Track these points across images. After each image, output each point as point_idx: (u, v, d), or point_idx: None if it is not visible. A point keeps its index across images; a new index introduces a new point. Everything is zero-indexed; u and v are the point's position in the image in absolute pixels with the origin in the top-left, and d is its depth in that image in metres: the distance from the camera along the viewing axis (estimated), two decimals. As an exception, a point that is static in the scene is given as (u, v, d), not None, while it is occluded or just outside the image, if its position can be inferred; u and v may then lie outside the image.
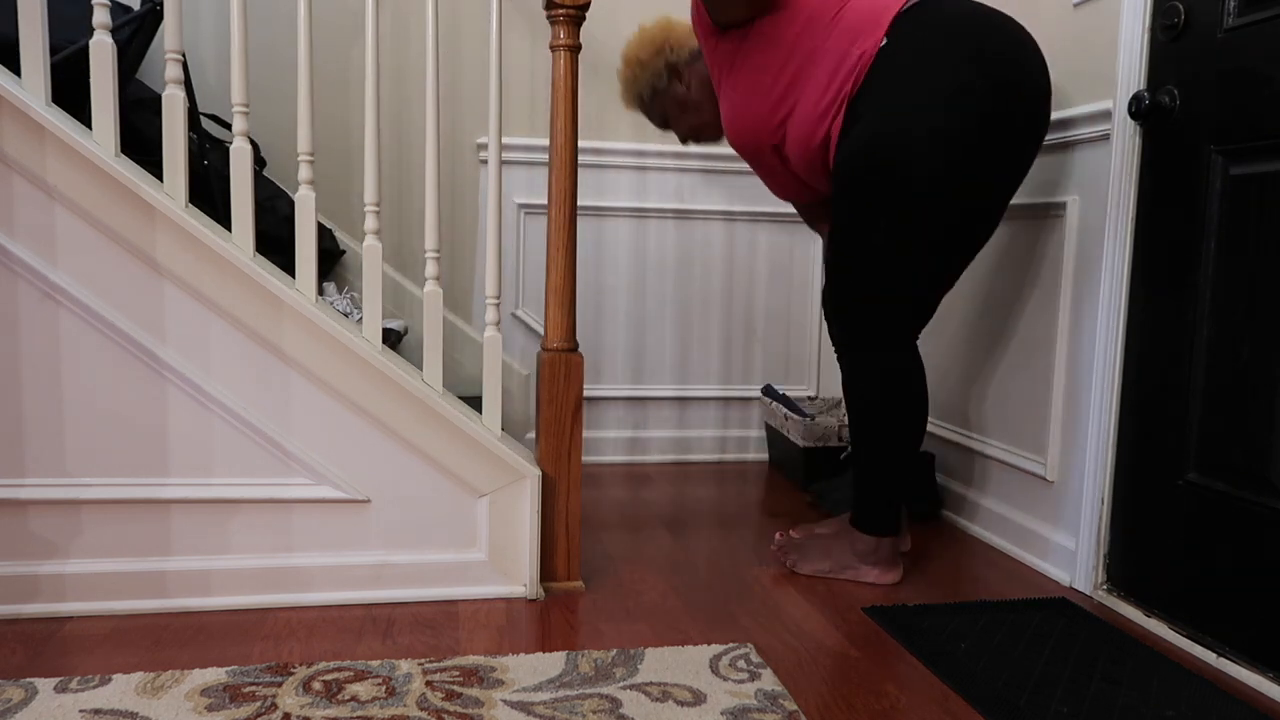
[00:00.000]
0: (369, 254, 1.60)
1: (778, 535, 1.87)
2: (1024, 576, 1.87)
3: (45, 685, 1.28)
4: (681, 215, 2.73)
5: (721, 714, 1.26)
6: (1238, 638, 1.47)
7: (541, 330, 2.63)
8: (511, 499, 1.65)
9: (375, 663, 1.38)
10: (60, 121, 1.43)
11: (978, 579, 1.85)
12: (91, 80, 1.46)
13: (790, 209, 2.76)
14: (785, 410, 2.52)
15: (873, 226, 1.63)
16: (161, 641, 1.44)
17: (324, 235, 2.36)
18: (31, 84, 1.44)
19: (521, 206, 2.60)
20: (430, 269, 1.63)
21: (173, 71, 1.48)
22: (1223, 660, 1.47)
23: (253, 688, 1.29)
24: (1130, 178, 1.69)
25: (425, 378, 1.63)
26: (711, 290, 2.78)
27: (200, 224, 1.49)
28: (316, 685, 1.31)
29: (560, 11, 1.60)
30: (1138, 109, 1.61)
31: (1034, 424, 1.97)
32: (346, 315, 1.98)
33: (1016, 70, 1.60)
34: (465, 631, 1.52)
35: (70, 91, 1.60)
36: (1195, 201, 1.56)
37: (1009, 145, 1.62)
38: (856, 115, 1.63)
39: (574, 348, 1.70)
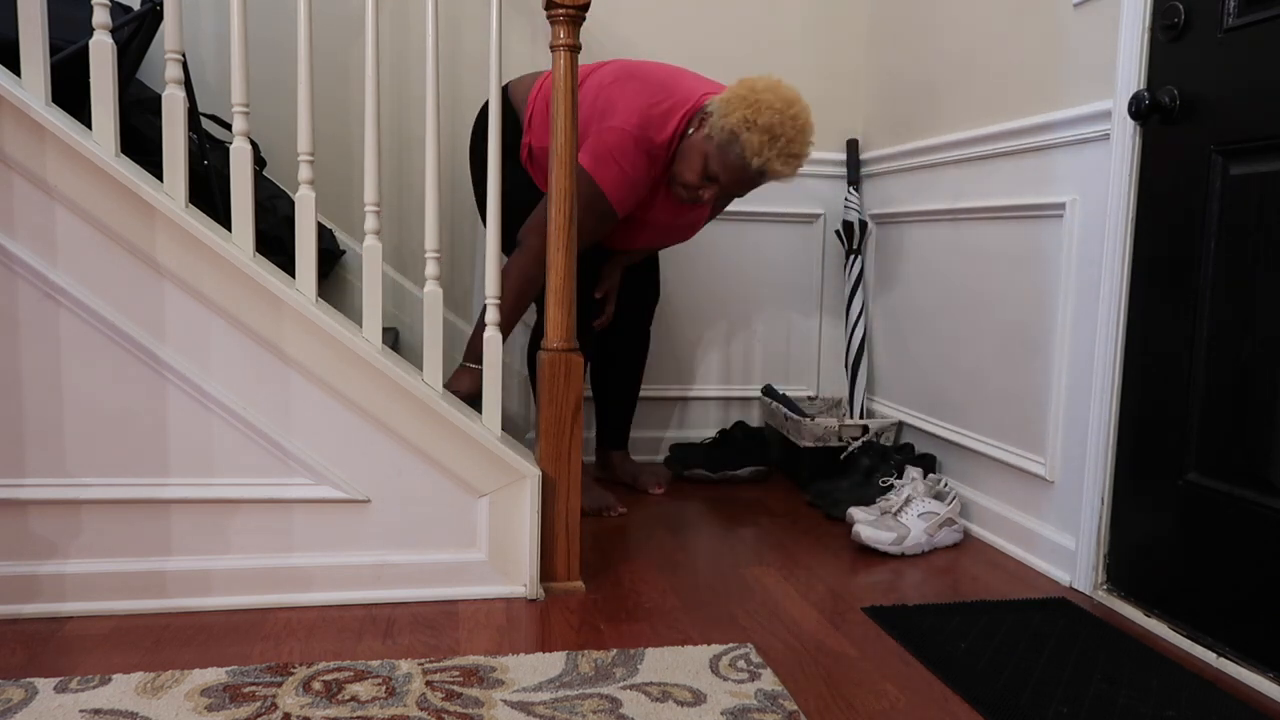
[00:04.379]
0: (369, 254, 1.60)
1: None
2: (1024, 576, 1.87)
3: (45, 685, 1.28)
4: (681, 215, 2.73)
5: (721, 714, 1.26)
6: (1238, 638, 1.47)
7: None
8: (511, 499, 1.65)
9: (375, 663, 1.38)
10: (60, 121, 1.43)
11: (978, 579, 1.85)
12: (91, 80, 1.45)
13: (793, 208, 2.76)
14: (785, 410, 2.52)
15: None
16: (161, 641, 1.44)
17: (324, 235, 2.36)
18: (31, 84, 1.44)
19: (521, 206, 2.60)
20: (430, 269, 1.63)
21: (173, 71, 1.48)
22: (1223, 660, 1.47)
23: (253, 688, 1.29)
24: (1130, 178, 1.69)
25: (425, 378, 1.63)
26: (712, 290, 2.78)
27: (200, 224, 1.49)
28: (316, 685, 1.31)
29: (560, 11, 1.60)
30: (1138, 109, 1.61)
31: (1034, 424, 1.97)
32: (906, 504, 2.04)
33: None
34: (465, 631, 1.52)
35: (70, 91, 1.60)
36: (1195, 201, 1.56)
37: None
38: None
39: (574, 348, 1.70)
